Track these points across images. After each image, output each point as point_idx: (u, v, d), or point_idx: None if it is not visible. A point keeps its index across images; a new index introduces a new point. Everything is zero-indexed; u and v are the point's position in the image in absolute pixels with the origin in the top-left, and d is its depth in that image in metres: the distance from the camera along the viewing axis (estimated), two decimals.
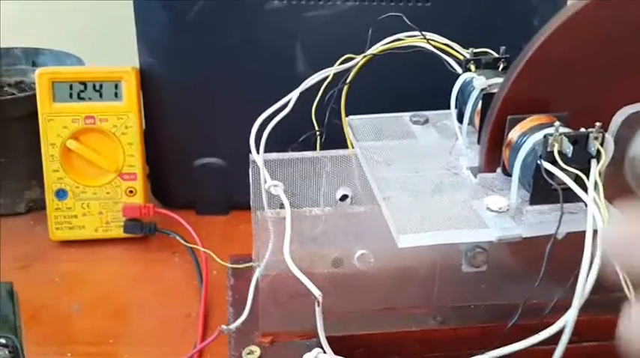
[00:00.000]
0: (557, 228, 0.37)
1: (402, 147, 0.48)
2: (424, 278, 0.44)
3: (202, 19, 0.62)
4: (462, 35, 0.51)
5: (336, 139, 0.52)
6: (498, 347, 0.38)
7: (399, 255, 0.43)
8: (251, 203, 0.47)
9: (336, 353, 0.39)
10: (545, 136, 0.38)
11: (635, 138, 0.42)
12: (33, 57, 0.73)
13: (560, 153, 0.38)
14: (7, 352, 0.35)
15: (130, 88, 0.62)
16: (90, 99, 0.62)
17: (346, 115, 0.52)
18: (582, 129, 0.39)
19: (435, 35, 0.50)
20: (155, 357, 0.51)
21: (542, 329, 0.37)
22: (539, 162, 0.39)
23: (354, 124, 0.51)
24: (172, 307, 0.56)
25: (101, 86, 0.62)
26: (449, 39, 0.50)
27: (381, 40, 0.50)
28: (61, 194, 0.63)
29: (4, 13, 0.78)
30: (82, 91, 0.62)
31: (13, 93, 0.69)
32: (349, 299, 0.44)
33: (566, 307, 0.37)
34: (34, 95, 0.62)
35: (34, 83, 0.63)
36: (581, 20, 0.41)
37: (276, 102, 0.50)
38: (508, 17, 0.63)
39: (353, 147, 0.50)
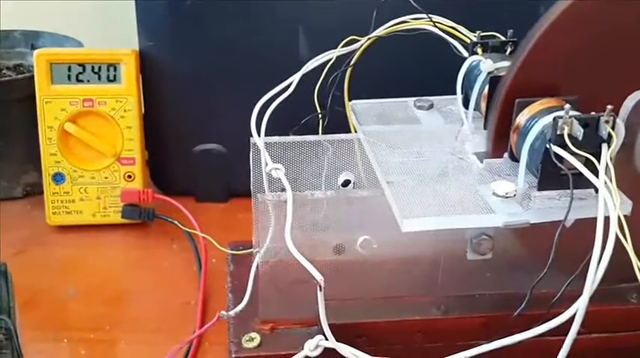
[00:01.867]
0: (567, 213, 0.36)
1: (406, 132, 0.47)
2: (428, 266, 0.43)
3: (203, 2, 0.61)
4: (467, 19, 0.49)
5: (339, 126, 0.51)
6: (504, 337, 0.37)
7: (403, 242, 0.42)
8: (251, 186, 0.46)
9: (337, 341, 0.38)
10: (555, 119, 0.37)
11: None
12: (32, 40, 0.71)
13: (570, 136, 0.37)
14: (0, 334, 0.34)
15: (130, 71, 0.61)
16: (88, 81, 0.61)
17: (349, 100, 0.51)
18: (592, 113, 0.38)
19: (441, 18, 0.49)
20: (153, 344, 0.50)
21: (550, 319, 0.36)
22: (548, 145, 0.37)
23: (357, 109, 0.50)
24: (170, 294, 0.55)
25: (100, 68, 0.61)
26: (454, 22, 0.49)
27: (386, 23, 0.49)
28: (58, 178, 0.62)
29: None
30: (80, 73, 0.61)
31: (12, 76, 0.68)
32: (351, 286, 0.43)
33: (573, 297, 0.36)
34: (33, 77, 0.61)
35: (32, 66, 0.62)
36: (590, 3, 0.40)
37: (277, 87, 0.49)
38: (514, 2, 0.61)
39: (356, 132, 0.49)
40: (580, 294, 0.35)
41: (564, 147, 0.37)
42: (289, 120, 0.48)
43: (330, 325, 0.38)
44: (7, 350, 0.34)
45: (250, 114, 0.48)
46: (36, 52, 0.61)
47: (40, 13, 0.77)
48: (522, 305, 0.37)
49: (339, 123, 0.51)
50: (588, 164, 0.37)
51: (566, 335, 0.35)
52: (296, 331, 0.44)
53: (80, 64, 0.61)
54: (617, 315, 0.45)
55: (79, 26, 0.72)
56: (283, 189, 0.43)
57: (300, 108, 0.48)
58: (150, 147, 0.66)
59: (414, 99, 0.51)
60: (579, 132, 0.37)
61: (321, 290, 0.35)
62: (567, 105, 0.37)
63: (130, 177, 0.62)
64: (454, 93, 0.48)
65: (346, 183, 0.48)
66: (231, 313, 0.42)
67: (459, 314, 0.43)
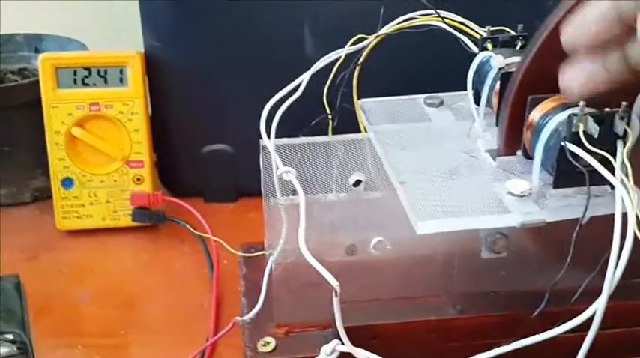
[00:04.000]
0: (585, 211, 0.35)
1: (416, 131, 0.47)
2: (442, 265, 0.43)
3: (208, 2, 0.60)
4: (475, 14, 0.49)
5: (347, 124, 0.50)
6: (522, 336, 0.36)
7: (416, 242, 0.42)
8: (262, 189, 0.46)
9: (351, 343, 0.38)
10: (569, 116, 0.37)
11: None
12: (35, 43, 0.71)
13: (585, 133, 0.36)
14: (15, 348, 0.34)
15: (136, 73, 0.60)
16: (94, 85, 0.60)
17: (358, 98, 0.51)
18: (607, 109, 0.37)
19: (449, 14, 0.48)
20: (167, 348, 0.50)
21: (567, 317, 0.36)
22: (563, 143, 0.37)
23: (366, 107, 0.50)
24: (183, 297, 0.55)
25: (106, 71, 0.60)
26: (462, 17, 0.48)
27: (393, 20, 0.49)
28: (67, 183, 0.62)
29: None
30: (86, 77, 0.60)
31: (16, 81, 0.68)
32: (365, 287, 0.43)
33: (590, 292, 0.36)
34: (38, 82, 0.60)
35: (37, 70, 0.62)
36: None
37: (285, 86, 0.48)
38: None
39: (365, 131, 0.49)
40: (597, 289, 0.35)
41: (579, 144, 0.37)
42: (296, 119, 0.47)
43: (345, 328, 0.38)
44: None
45: (257, 113, 0.47)
46: (41, 56, 0.60)
47: (42, 16, 0.77)
48: (542, 305, 0.36)
49: (347, 122, 0.51)
50: (604, 160, 0.37)
51: (583, 330, 0.35)
52: (311, 334, 0.43)
53: (86, 68, 0.60)
54: (634, 310, 0.45)
55: (82, 28, 0.72)
56: (294, 191, 0.43)
57: (308, 107, 0.47)
58: (158, 148, 0.65)
59: (424, 96, 0.50)
60: (594, 129, 0.36)
61: (337, 295, 0.34)
62: (582, 102, 0.37)
63: (139, 179, 0.62)
64: (464, 89, 0.47)
65: (357, 183, 0.48)
66: (246, 318, 0.42)
67: (475, 313, 0.43)
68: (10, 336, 0.34)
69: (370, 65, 0.50)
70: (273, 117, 0.47)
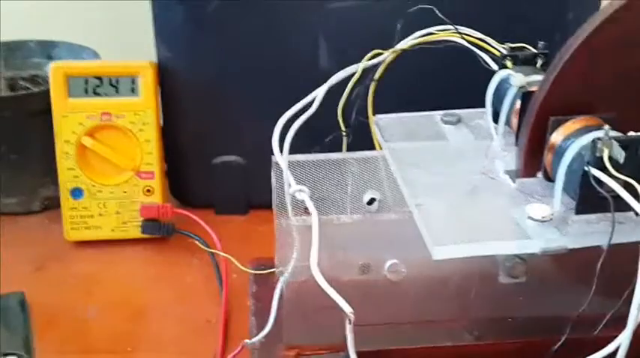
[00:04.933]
0: (610, 239, 0.34)
1: (433, 149, 0.46)
2: (459, 290, 0.42)
3: (221, 13, 0.60)
4: (494, 30, 0.48)
5: (362, 140, 0.49)
6: None
7: (432, 265, 0.41)
8: (273, 206, 0.45)
9: None
10: (594, 141, 0.35)
11: None
12: (48, 50, 0.71)
13: (610, 158, 0.35)
14: None
15: (148, 84, 0.60)
16: (106, 94, 0.60)
17: (373, 114, 0.49)
18: (631, 133, 0.36)
19: (468, 29, 0.47)
20: None
21: (589, 346, 0.35)
22: (586, 168, 0.36)
23: (381, 124, 0.49)
24: (192, 311, 0.54)
25: (117, 81, 0.60)
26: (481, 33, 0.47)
27: (410, 34, 0.48)
28: (76, 193, 0.61)
29: (19, 5, 0.76)
30: (97, 86, 0.59)
31: (28, 87, 0.67)
32: (379, 310, 0.42)
33: (612, 320, 0.35)
34: (49, 90, 0.59)
35: (48, 77, 0.61)
36: (626, 15, 0.38)
37: (298, 97, 0.47)
38: (541, 10, 0.60)
39: (380, 148, 0.48)
40: (619, 316, 0.34)
41: (603, 169, 0.35)
42: (309, 133, 0.46)
43: (357, 352, 0.37)
44: None
45: (270, 125, 0.46)
46: (52, 65, 0.60)
47: (56, 23, 0.76)
48: (564, 337, 0.35)
49: (363, 136, 0.50)
50: (627, 186, 0.35)
51: None
52: (322, 357, 0.42)
53: (97, 77, 0.59)
54: None
55: (96, 36, 0.71)
56: (306, 208, 0.42)
57: (321, 122, 0.47)
58: (169, 159, 0.64)
59: (441, 113, 0.49)
60: (620, 155, 0.35)
61: (350, 323, 0.33)
62: (606, 126, 0.35)
63: (149, 191, 0.61)
64: (482, 106, 0.46)
65: (371, 201, 0.47)
66: (255, 341, 0.41)
67: (492, 340, 0.42)
68: None
69: (386, 81, 0.49)
70: (286, 132, 0.46)
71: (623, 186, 0.35)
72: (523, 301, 0.42)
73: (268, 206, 0.46)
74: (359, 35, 0.57)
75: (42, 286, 0.56)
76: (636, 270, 0.33)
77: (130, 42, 0.66)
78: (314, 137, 0.48)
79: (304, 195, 0.41)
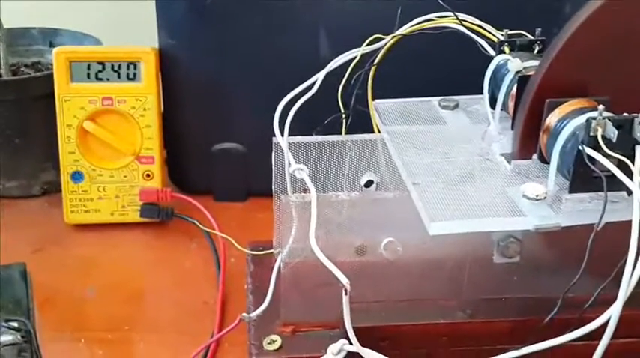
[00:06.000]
0: (601, 217, 0.35)
1: (431, 132, 0.46)
2: (453, 269, 0.43)
3: (223, 1, 0.60)
4: (492, 18, 0.48)
5: (360, 126, 0.50)
6: (533, 343, 0.36)
7: (428, 244, 0.42)
8: (273, 187, 0.46)
9: (360, 344, 0.37)
10: (587, 120, 0.36)
11: None
12: (50, 37, 0.71)
13: (603, 138, 0.36)
14: (19, 336, 0.33)
15: (149, 69, 0.60)
16: (108, 79, 0.60)
17: (372, 99, 0.50)
18: (625, 114, 0.37)
19: (467, 16, 0.48)
20: (171, 344, 0.50)
21: (579, 324, 0.35)
22: (580, 147, 0.36)
23: (380, 108, 0.50)
24: (189, 294, 0.55)
25: (119, 66, 0.60)
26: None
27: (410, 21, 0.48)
28: (76, 176, 0.61)
29: None
30: (100, 71, 0.60)
31: (30, 74, 0.68)
32: (375, 289, 0.43)
33: (604, 302, 0.35)
34: (52, 75, 0.60)
35: (51, 64, 0.62)
36: (621, 2, 0.39)
37: (297, 86, 0.48)
38: (539, 2, 0.60)
39: (379, 132, 0.48)
40: (611, 298, 0.35)
41: (597, 148, 0.36)
42: (309, 118, 0.47)
43: (353, 328, 0.38)
44: (27, 353, 0.34)
45: (270, 114, 0.47)
46: (55, 49, 0.60)
47: (59, 11, 0.77)
48: (554, 310, 0.36)
49: (360, 123, 0.50)
50: (621, 166, 0.36)
51: (595, 339, 0.35)
52: (318, 333, 0.43)
53: (100, 62, 0.60)
54: None
55: (98, 24, 0.72)
56: (305, 189, 0.42)
57: (320, 107, 0.47)
58: (168, 145, 0.65)
59: (439, 98, 0.50)
60: (613, 133, 0.36)
61: (346, 294, 0.34)
62: (601, 106, 0.36)
63: (148, 175, 0.62)
64: (479, 92, 0.47)
65: (369, 184, 0.47)
66: (253, 315, 0.42)
67: (485, 318, 0.42)
68: (15, 324, 0.34)
69: (385, 67, 0.50)
70: (287, 114, 0.46)
71: (617, 166, 0.36)
72: (517, 281, 0.43)
73: (267, 193, 0.47)
74: (359, 25, 0.57)
75: (41, 267, 0.56)
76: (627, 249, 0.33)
77: (133, 31, 0.66)
78: (314, 124, 0.48)
79: (303, 174, 0.41)
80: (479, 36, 0.47)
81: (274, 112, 0.47)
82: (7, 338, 0.33)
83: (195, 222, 0.60)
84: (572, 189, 0.38)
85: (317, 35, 0.61)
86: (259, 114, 0.50)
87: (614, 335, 0.34)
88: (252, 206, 0.66)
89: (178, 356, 0.47)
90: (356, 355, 0.38)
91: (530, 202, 0.38)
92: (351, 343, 0.37)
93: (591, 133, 0.36)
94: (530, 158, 0.42)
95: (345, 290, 0.34)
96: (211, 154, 0.65)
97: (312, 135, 0.48)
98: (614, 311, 0.33)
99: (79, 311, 0.54)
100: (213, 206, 0.63)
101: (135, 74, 0.60)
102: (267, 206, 0.48)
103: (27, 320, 0.34)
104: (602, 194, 0.36)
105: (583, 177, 0.37)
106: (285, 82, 0.48)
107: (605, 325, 0.34)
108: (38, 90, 0.63)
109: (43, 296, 0.53)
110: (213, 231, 0.58)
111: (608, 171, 0.36)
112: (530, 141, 0.41)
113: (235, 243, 0.56)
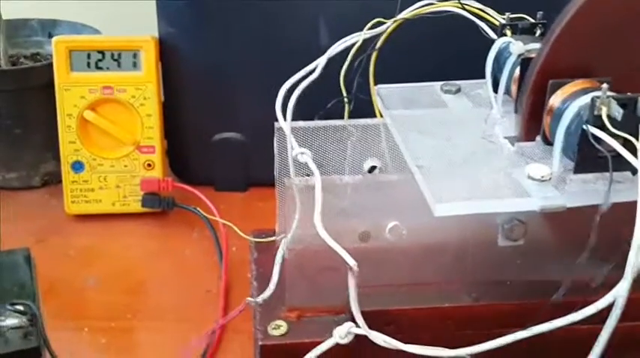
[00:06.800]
0: (607, 196, 0.34)
1: (433, 116, 0.46)
2: (458, 252, 0.42)
3: None
4: (494, 3, 0.48)
5: (362, 111, 0.50)
6: (537, 324, 0.36)
7: (432, 227, 0.41)
8: (275, 172, 0.46)
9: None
10: (592, 99, 0.36)
11: None
12: (49, 28, 0.71)
13: (608, 117, 0.36)
14: (25, 319, 0.33)
15: (150, 58, 0.60)
16: (108, 68, 0.60)
17: (375, 84, 0.50)
18: (629, 94, 0.37)
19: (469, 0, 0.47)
20: (174, 333, 0.50)
21: (585, 306, 0.35)
22: (585, 127, 0.36)
23: (382, 93, 0.49)
24: (191, 282, 0.55)
25: (119, 55, 0.60)
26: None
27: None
28: (77, 166, 0.61)
29: None
30: (99, 60, 0.60)
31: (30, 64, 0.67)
32: (379, 273, 0.42)
33: (609, 285, 0.35)
34: (51, 65, 0.60)
35: (50, 55, 0.61)
36: None
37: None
38: None
39: (381, 117, 0.48)
40: (617, 281, 0.34)
41: (602, 128, 0.36)
42: (310, 104, 0.47)
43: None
44: (33, 336, 0.33)
45: (270, 103, 0.47)
46: (55, 38, 0.60)
47: (58, 1, 0.76)
48: (560, 291, 0.35)
49: (361, 109, 0.50)
50: (626, 145, 0.36)
51: (599, 323, 0.34)
52: (323, 318, 0.43)
53: (99, 51, 0.60)
54: None
55: (97, 15, 0.72)
56: (307, 175, 0.42)
57: (322, 93, 0.47)
58: (169, 136, 0.65)
59: (441, 83, 0.49)
60: (618, 112, 0.36)
61: (353, 276, 0.34)
62: (605, 85, 0.36)
63: (149, 165, 0.62)
64: (481, 77, 0.47)
65: (372, 170, 0.47)
66: (259, 299, 0.42)
67: (490, 301, 0.42)
68: (21, 308, 0.34)
69: (387, 52, 0.49)
70: (289, 100, 0.46)
71: (622, 145, 0.36)
72: (521, 264, 0.43)
73: (267, 183, 0.47)
74: (359, 14, 0.57)
75: (42, 257, 0.54)
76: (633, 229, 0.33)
77: (132, 22, 0.66)
78: (318, 109, 0.48)
79: (306, 157, 0.41)
80: (480, 19, 0.47)
81: (274, 101, 0.47)
82: (13, 321, 0.33)
83: (198, 210, 0.60)
84: (577, 170, 0.38)
85: (317, 24, 0.61)
86: (259, 103, 0.50)
87: (621, 319, 0.34)
88: (252, 195, 0.66)
89: (182, 344, 0.47)
90: (362, 340, 0.38)
91: (535, 183, 0.38)
92: (358, 326, 0.36)
93: (596, 113, 0.36)
94: (534, 140, 0.42)
95: (353, 272, 0.34)
96: (212, 144, 0.65)
97: (313, 119, 0.47)
98: (619, 293, 0.33)
99: (82, 301, 0.54)
100: (214, 196, 0.63)
101: (135, 63, 0.60)
102: (267, 195, 0.48)
103: (33, 303, 0.34)
104: (606, 174, 0.36)
105: (588, 157, 0.37)
106: (286, 71, 0.48)
107: (610, 308, 0.34)
108: (38, 80, 0.62)
109: (44, 287, 0.51)
110: (214, 218, 0.58)
111: (614, 150, 0.36)
112: (534, 123, 0.41)
113: (238, 230, 0.55)
